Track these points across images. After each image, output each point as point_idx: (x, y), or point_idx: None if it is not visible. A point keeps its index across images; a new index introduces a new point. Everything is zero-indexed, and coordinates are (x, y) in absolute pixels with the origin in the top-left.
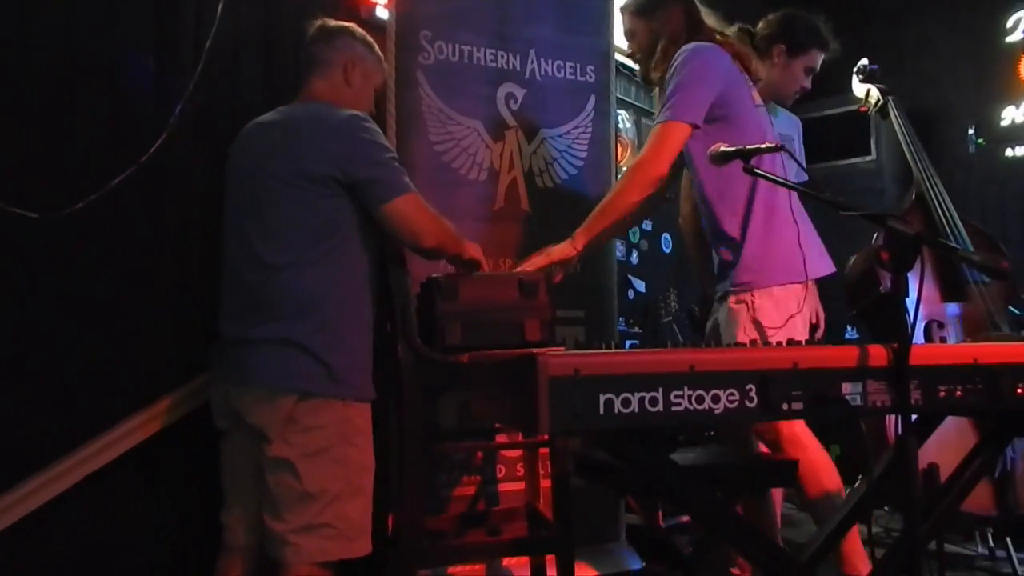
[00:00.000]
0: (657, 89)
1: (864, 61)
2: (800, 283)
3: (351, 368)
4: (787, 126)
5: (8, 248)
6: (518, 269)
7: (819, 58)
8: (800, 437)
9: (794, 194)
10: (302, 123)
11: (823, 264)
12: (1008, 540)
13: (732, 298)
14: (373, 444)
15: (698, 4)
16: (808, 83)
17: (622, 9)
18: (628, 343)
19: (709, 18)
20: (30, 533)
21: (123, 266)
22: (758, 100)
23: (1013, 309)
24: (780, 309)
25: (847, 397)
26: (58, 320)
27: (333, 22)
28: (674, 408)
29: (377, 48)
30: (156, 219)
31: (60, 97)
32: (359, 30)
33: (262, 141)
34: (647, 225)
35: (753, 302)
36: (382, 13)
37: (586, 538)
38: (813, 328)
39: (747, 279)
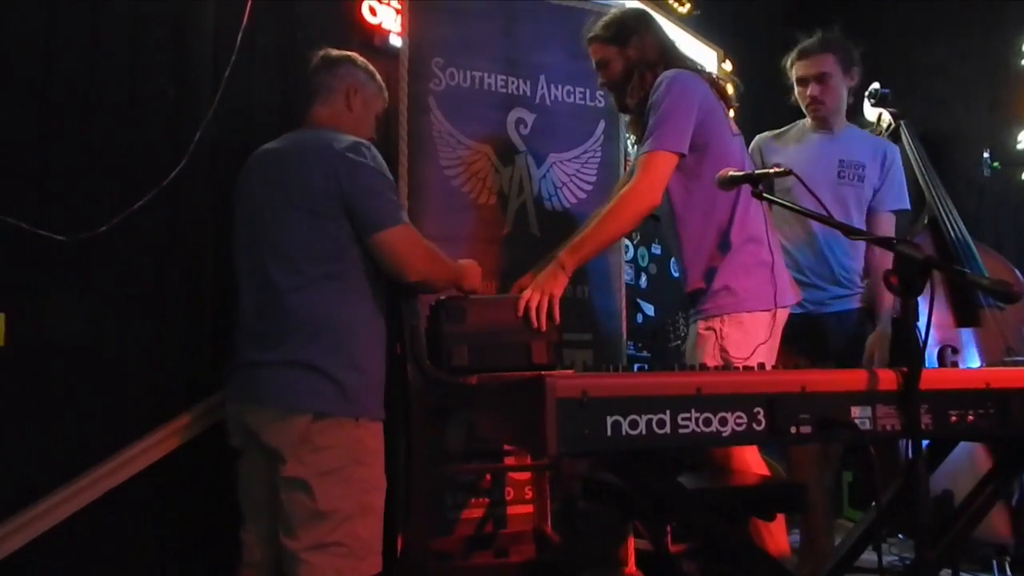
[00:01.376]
0: (630, 116)
1: (876, 85)
2: (768, 311)
3: (363, 387)
4: (860, 152)
5: (32, 269)
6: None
7: (802, 65)
8: (749, 464)
9: (770, 223)
10: (307, 149)
11: (792, 294)
12: None
13: (701, 323)
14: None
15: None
16: (811, 90)
17: (590, 39)
18: (636, 366)
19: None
20: (46, 552)
21: (140, 287)
22: (735, 129)
23: None
24: (748, 338)
25: (856, 421)
26: (78, 338)
27: (336, 51)
28: (681, 431)
29: (378, 76)
30: (173, 242)
31: (83, 124)
32: (360, 59)
33: (269, 167)
34: (656, 249)
35: (721, 330)
36: (395, 40)
37: (594, 563)
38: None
39: (717, 305)
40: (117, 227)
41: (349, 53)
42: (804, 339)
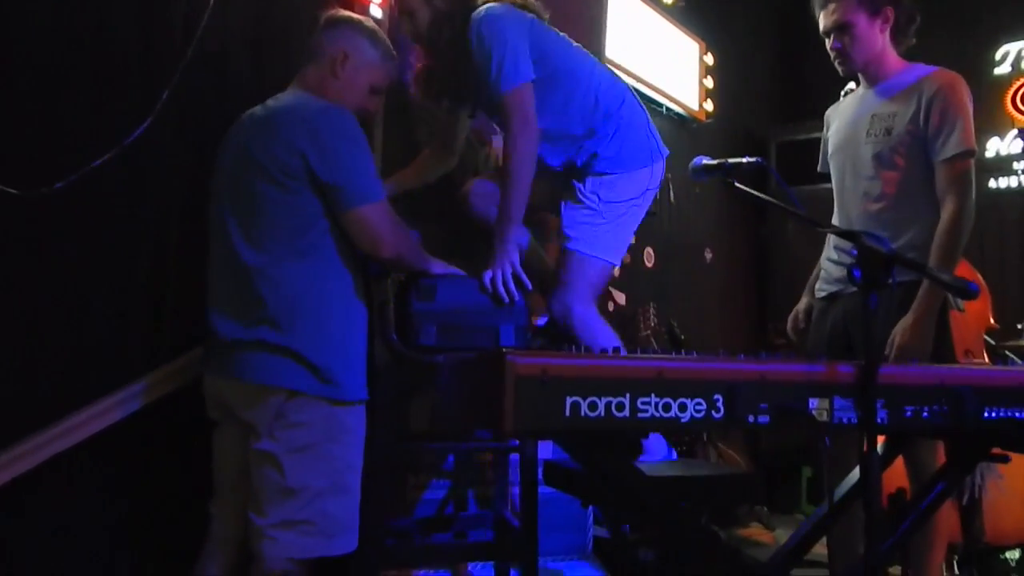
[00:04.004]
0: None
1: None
2: (646, 168)
3: (338, 368)
4: (897, 98)
5: None
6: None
7: (823, 16)
8: None
9: None
10: (277, 115)
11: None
12: (974, 569)
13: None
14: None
15: None
16: (834, 42)
17: None
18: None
19: None
20: None
21: (100, 248)
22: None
23: (987, 338)
24: (624, 192)
25: (813, 412)
26: (31, 297)
27: (343, 13)
28: (640, 414)
29: (386, 44)
30: (136, 203)
31: (46, 76)
32: (368, 23)
33: (244, 134)
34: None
35: (598, 193)
36: (376, 12)
37: (554, 548)
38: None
39: (599, 170)
40: (76, 184)
41: (355, 16)
42: (829, 326)
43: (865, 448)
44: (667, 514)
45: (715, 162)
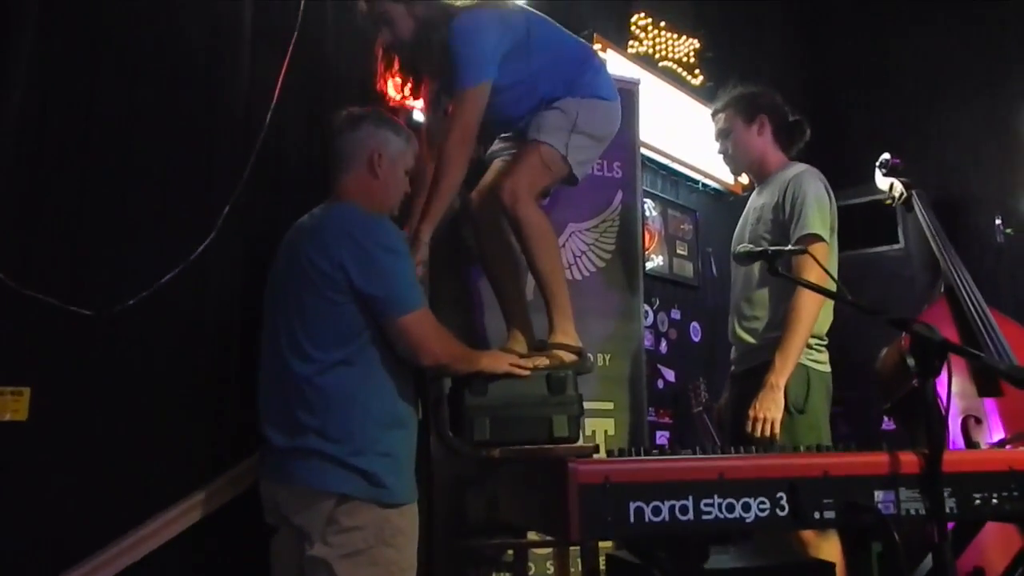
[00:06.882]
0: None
1: (886, 155)
2: None
3: (386, 471)
4: (769, 193)
5: (59, 343)
6: None
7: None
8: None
9: None
10: (321, 226)
11: None
12: None
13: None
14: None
15: None
16: (720, 147)
17: None
18: (658, 433)
19: None
20: None
21: (166, 361)
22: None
23: None
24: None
25: (879, 505)
26: (101, 414)
27: (357, 110)
28: (704, 516)
29: (404, 129)
30: (200, 315)
31: (114, 198)
32: (383, 114)
33: (292, 246)
34: (675, 314)
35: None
36: (419, 116)
37: None
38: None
39: None
40: (144, 301)
41: (368, 110)
42: (729, 400)
43: (936, 538)
44: None
45: (758, 249)
